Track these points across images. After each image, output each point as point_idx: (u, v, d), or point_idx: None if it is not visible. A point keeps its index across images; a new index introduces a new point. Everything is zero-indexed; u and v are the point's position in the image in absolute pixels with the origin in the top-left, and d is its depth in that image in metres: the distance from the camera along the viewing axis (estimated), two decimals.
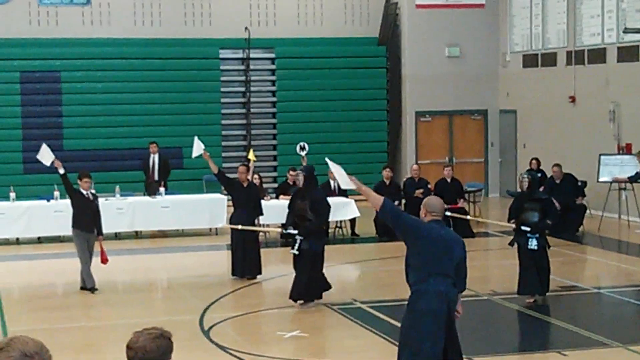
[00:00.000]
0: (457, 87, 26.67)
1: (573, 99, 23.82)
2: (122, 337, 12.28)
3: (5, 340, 3.69)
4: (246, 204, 15.98)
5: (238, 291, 14.87)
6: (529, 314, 13.30)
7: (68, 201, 19.67)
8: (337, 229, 20.35)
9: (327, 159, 9.72)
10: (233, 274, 15.75)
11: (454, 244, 8.56)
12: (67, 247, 19.13)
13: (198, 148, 16.58)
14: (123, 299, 14.58)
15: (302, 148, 19.27)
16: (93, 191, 15.61)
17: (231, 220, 15.95)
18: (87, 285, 14.88)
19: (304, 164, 17.26)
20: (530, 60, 25.60)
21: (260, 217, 16.87)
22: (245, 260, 15.66)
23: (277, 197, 20.36)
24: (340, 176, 9.27)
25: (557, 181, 20.95)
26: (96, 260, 14.75)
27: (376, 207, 8.66)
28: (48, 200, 19.89)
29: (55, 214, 19.51)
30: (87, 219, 14.91)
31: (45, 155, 15.56)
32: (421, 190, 20.74)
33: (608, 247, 19.15)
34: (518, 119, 26.36)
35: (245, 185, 16.26)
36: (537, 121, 25.36)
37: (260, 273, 15.77)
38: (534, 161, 23.23)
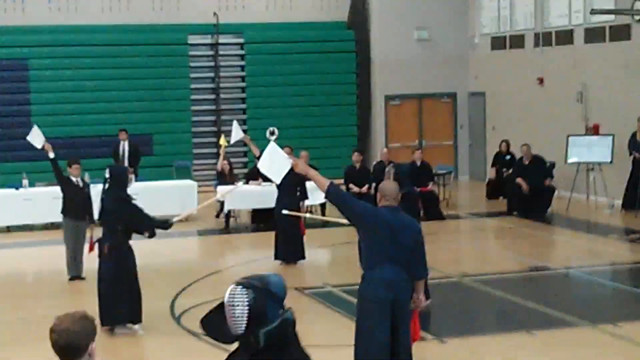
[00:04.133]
0: (426, 71, 26.71)
1: (541, 81, 23.93)
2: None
3: None
4: (288, 188, 15.78)
5: (209, 277, 14.87)
6: (500, 296, 13.39)
7: (37, 189, 19.73)
8: (308, 212, 20.37)
9: (271, 142, 9.58)
10: (276, 258, 15.77)
11: (406, 230, 8.47)
12: (37, 235, 19.09)
13: (237, 133, 16.56)
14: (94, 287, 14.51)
15: (272, 133, 19.19)
16: (86, 179, 15.53)
17: (276, 205, 15.81)
18: (70, 274, 14.80)
19: None
20: (498, 43, 25.68)
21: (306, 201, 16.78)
22: (287, 245, 15.65)
23: (246, 183, 20.35)
24: (276, 164, 9.12)
25: (526, 162, 21.09)
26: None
27: (322, 191, 8.65)
28: (17, 189, 19.78)
29: (24, 202, 19.42)
30: (77, 207, 14.75)
31: (36, 138, 15.43)
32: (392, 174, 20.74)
33: (577, 227, 19.30)
34: (487, 102, 26.45)
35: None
36: (506, 103, 25.46)
37: (303, 258, 15.76)
38: (503, 143, 23.36)
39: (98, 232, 12.89)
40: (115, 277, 11.56)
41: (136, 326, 11.61)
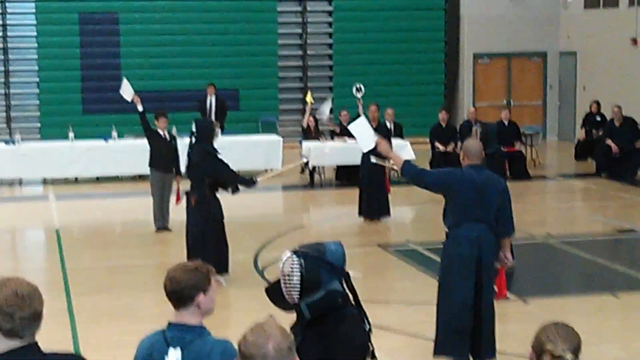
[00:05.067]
0: (516, 29, 26.29)
1: (635, 42, 23.38)
2: None
3: (1, 279, 3.78)
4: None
5: (293, 232, 14.97)
6: (585, 257, 13.22)
7: (126, 141, 20.03)
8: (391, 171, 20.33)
9: (358, 121, 9.52)
10: (360, 215, 15.82)
11: (491, 189, 8.42)
12: (125, 187, 19.42)
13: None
14: (182, 238, 14.70)
15: (358, 90, 19.13)
16: (173, 132, 15.71)
17: (361, 162, 15.75)
18: (157, 225, 15.05)
19: (360, 105, 17.16)
20: (591, 1, 25.13)
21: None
22: (371, 201, 15.67)
23: (332, 139, 20.36)
24: (362, 137, 9.07)
25: (617, 124, 20.69)
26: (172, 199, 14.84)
27: (398, 169, 8.63)
28: (106, 141, 20.10)
29: (113, 154, 19.75)
30: (164, 159, 14.94)
31: (126, 91, 15.60)
32: (479, 133, 20.56)
33: None
34: (578, 62, 25.96)
35: (374, 125, 16.11)
36: (598, 63, 24.96)
37: (388, 214, 15.76)
38: (594, 104, 22.94)
39: (185, 184, 13.07)
40: (203, 228, 11.70)
41: (221, 277, 11.76)
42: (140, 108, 15.04)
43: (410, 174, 8.53)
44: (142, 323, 9.92)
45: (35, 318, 3.69)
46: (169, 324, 4.44)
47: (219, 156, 11.70)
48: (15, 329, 3.66)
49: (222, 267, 11.79)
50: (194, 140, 11.86)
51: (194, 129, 11.89)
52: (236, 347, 3.42)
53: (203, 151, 11.66)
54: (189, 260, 11.61)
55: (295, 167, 17.82)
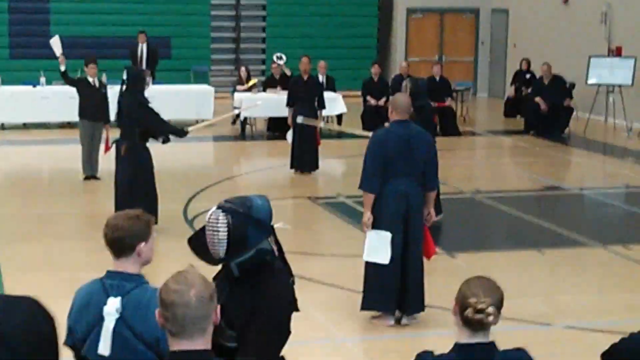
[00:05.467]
0: None
1: (565, 0, 23.60)
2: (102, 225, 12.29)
3: None
4: (306, 97, 15.84)
5: (223, 183, 14.94)
6: (512, 213, 13.41)
7: (54, 87, 19.71)
8: (324, 123, 20.35)
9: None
10: (291, 167, 15.80)
11: (418, 143, 8.48)
12: (53, 134, 19.16)
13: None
14: (110, 188, 14.58)
15: (279, 57, 19.10)
16: (103, 79, 15.50)
17: (293, 115, 15.67)
18: (85, 173, 14.90)
19: (285, 71, 17.20)
20: None
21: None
22: (302, 154, 15.63)
23: (264, 90, 20.28)
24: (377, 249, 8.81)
25: (546, 81, 20.92)
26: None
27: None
28: (34, 86, 19.77)
29: (41, 101, 19.44)
30: (93, 108, 14.74)
31: (56, 45, 15.35)
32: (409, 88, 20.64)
33: (593, 149, 19.23)
34: (510, 19, 26.15)
35: (306, 78, 16.07)
36: (529, 21, 25.16)
37: (317, 168, 15.75)
38: (524, 62, 23.15)
39: (114, 133, 12.92)
40: (132, 177, 11.61)
41: None
42: (62, 68, 14.88)
43: (364, 183, 8.55)
44: (72, 272, 9.86)
45: None
46: (108, 272, 4.41)
47: (150, 105, 11.59)
48: None
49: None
50: (124, 88, 11.74)
51: (124, 77, 11.75)
52: (158, 296, 3.41)
53: (134, 100, 11.54)
54: (117, 209, 11.61)
55: (227, 118, 17.73)
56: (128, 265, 4.38)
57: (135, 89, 11.59)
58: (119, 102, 11.83)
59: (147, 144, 11.72)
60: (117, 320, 4.29)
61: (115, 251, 4.39)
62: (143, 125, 11.54)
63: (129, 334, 4.28)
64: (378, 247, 8.50)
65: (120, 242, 4.36)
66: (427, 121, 10.44)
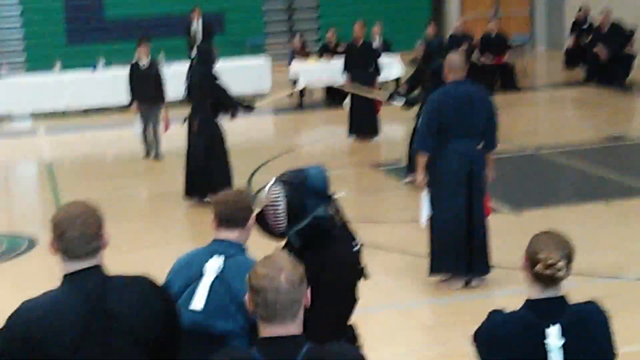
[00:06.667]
0: None
1: None
2: (175, 204, 12.39)
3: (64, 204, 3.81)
4: (361, 63, 15.85)
5: (285, 155, 14.99)
6: (577, 166, 13.27)
7: (113, 70, 19.86)
8: (380, 89, 20.29)
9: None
10: (349, 134, 15.81)
11: (477, 102, 8.40)
12: (114, 118, 19.34)
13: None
14: (176, 165, 14.70)
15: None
16: (158, 60, 15.64)
17: (350, 81, 15.71)
18: (145, 152, 15.11)
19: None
20: None
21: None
22: (361, 120, 15.61)
23: (320, 57, 20.24)
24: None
25: (605, 29, 20.56)
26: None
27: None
28: (93, 70, 19.95)
29: (100, 85, 19.60)
30: (145, 91, 14.83)
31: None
32: (466, 45, 20.46)
33: None
34: None
35: (359, 44, 16.12)
36: None
37: (377, 133, 15.72)
38: (581, 11, 22.78)
39: (173, 113, 13.01)
40: (207, 151, 11.77)
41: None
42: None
43: (420, 147, 8.58)
44: (139, 253, 10.00)
45: (88, 239, 3.66)
46: (214, 240, 4.58)
47: (219, 80, 11.77)
48: (67, 249, 3.64)
49: (229, 188, 11.85)
50: (194, 63, 12.02)
51: (195, 53, 12.08)
52: (247, 281, 3.37)
53: (205, 74, 11.75)
54: (190, 184, 11.78)
55: (294, 92, 17.93)
56: (238, 237, 4.56)
57: (205, 64, 11.79)
58: (188, 78, 12.01)
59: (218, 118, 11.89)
60: (216, 278, 4.42)
61: (230, 224, 4.55)
62: (214, 97, 11.71)
63: (225, 293, 4.38)
64: (426, 207, 8.58)
65: (238, 215, 4.54)
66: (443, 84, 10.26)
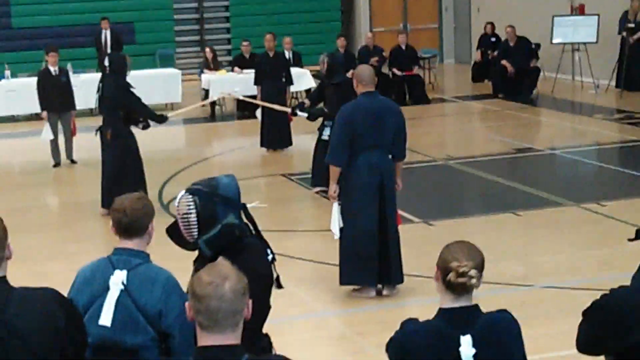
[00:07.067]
0: None
1: None
2: (88, 213, 12.17)
3: None
4: (272, 74, 15.84)
5: (196, 165, 14.93)
6: (485, 177, 13.48)
7: (20, 80, 19.55)
8: (293, 99, 20.34)
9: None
10: (262, 145, 15.74)
11: (387, 113, 8.49)
12: (20, 127, 19.02)
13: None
14: (86, 175, 14.52)
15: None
16: (69, 68, 15.50)
17: (262, 92, 15.73)
18: (55, 160, 14.96)
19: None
20: None
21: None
22: (273, 131, 15.54)
23: (232, 70, 20.22)
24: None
25: (511, 44, 20.99)
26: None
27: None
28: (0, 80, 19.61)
29: (7, 94, 19.26)
30: (56, 98, 14.76)
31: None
32: (376, 58, 20.69)
33: (562, 108, 19.32)
34: None
35: (271, 55, 16.09)
36: None
37: (290, 144, 15.66)
38: (488, 25, 23.19)
39: (82, 121, 12.87)
40: (120, 162, 11.66)
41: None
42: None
43: (330, 158, 8.59)
44: (46, 264, 9.84)
45: None
46: (115, 249, 4.53)
47: (132, 90, 11.66)
48: None
49: None
50: (106, 73, 11.95)
51: (107, 63, 11.97)
52: (189, 288, 3.34)
53: (117, 84, 11.63)
54: (106, 195, 11.63)
55: (206, 104, 17.87)
56: (138, 245, 4.52)
57: (117, 74, 11.67)
58: (99, 88, 11.90)
59: (131, 129, 11.80)
60: (122, 292, 4.37)
61: (130, 233, 4.50)
62: (127, 108, 11.60)
63: (132, 306, 4.35)
64: (337, 218, 8.62)
65: (137, 223, 4.49)
66: (346, 97, 10.35)
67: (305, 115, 12.97)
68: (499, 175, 13.48)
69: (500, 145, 15.79)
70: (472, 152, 15.31)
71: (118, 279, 4.38)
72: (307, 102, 13.42)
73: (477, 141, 16.91)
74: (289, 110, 14.22)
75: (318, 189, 12.48)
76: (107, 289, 4.38)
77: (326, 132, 12.11)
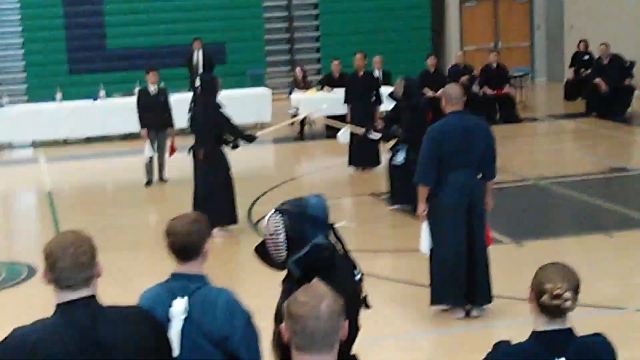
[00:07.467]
0: None
1: None
2: None
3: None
4: (362, 94, 15.88)
5: (285, 184, 14.98)
6: (578, 197, 13.26)
7: (114, 100, 19.92)
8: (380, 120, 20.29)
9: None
10: (350, 164, 15.78)
11: (475, 132, 8.43)
12: (115, 146, 19.35)
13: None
14: (177, 193, 14.67)
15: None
16: (162, 85, 15.77)
17: (351, 112, 15.82)
18: (148, 178, 15.21)
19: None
20: None
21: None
22: (362, 150, 15.55)
23: (321, 89, 20.28)
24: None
25: (605, 62, 20.63)
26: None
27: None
28: (94, 100, 19.99)
29: (101, 114, 19.64)
30: (153, 117, 15.04)
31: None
32: (467, 77, 20.55)
33: None
34: (565, 0, 25.83)
35: (361, 74, 16.17)
36: (585, 2, 24.82)
37: (379, 163, 15.61)
38: (581, 43, 22.86)
39: (177, 140, 13.02)
40: (213, 180, 11.79)
41: (230, 227, 11.94)
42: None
43: (420, 177, 8.59)
44: (139, 281, 9.95)
45: (79, 268, 3.60)
46: (172, 274, 4.48)
47: (222, 110, 11.81)
48: (59, 279, 3.60)
49: (233, 218, 11.91)
50: (198, 93, 12.18)
51: (198, 83, 12.17)
52: (285, 309, 3.30)
53: (207, 105, 11.78)
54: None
55: (294, 122, 17.95)
56: (194, 267, 4.46)
57: (209, 95, 11.83)
58: (191, 109, 12.06)
59: (222, 148, 11.93)
60: (184, 320, 4.35)
61: (184, 256, 4.45)
62: (217, 129, 11.74)
63: (197, 333, 4.33)
64: (426, 237, 8.62)
65: (191, 246, 4.43)
66: (420, 119, 10.28)
67: (378, 137, 12.97)
68: (592, 196, 13.25)
69: (593, 165, 15.53)
70: (564, 171, 15.08)
71: (179, 309, 4.35)
72: (379, 123, 13.45)
73: (569, 160, 16.65)
74: (360, 130, 14.28)
75: (396, 206, 12.52)
76: (168, 320, 4.34)
77: (398, 158, 12.15)
